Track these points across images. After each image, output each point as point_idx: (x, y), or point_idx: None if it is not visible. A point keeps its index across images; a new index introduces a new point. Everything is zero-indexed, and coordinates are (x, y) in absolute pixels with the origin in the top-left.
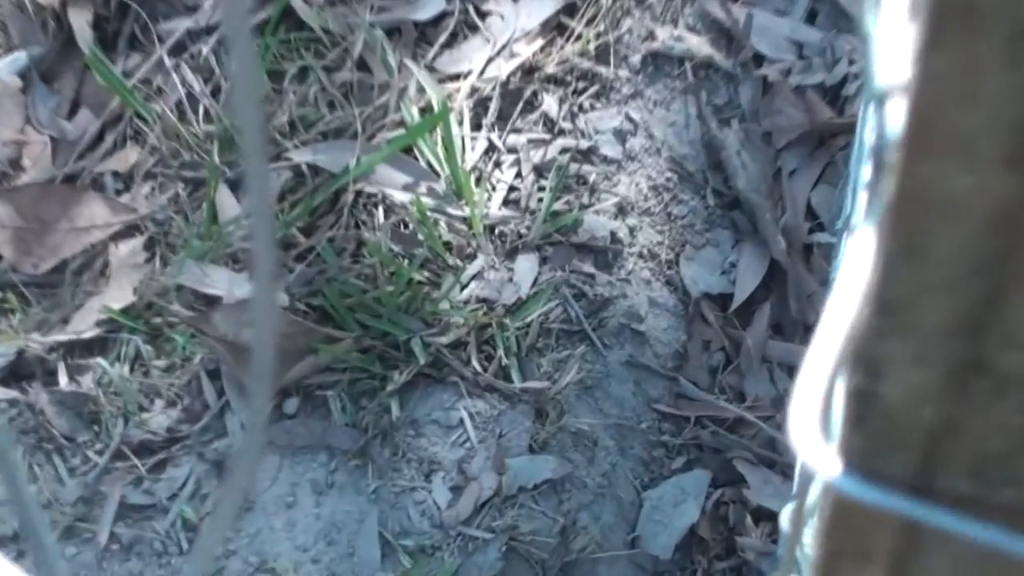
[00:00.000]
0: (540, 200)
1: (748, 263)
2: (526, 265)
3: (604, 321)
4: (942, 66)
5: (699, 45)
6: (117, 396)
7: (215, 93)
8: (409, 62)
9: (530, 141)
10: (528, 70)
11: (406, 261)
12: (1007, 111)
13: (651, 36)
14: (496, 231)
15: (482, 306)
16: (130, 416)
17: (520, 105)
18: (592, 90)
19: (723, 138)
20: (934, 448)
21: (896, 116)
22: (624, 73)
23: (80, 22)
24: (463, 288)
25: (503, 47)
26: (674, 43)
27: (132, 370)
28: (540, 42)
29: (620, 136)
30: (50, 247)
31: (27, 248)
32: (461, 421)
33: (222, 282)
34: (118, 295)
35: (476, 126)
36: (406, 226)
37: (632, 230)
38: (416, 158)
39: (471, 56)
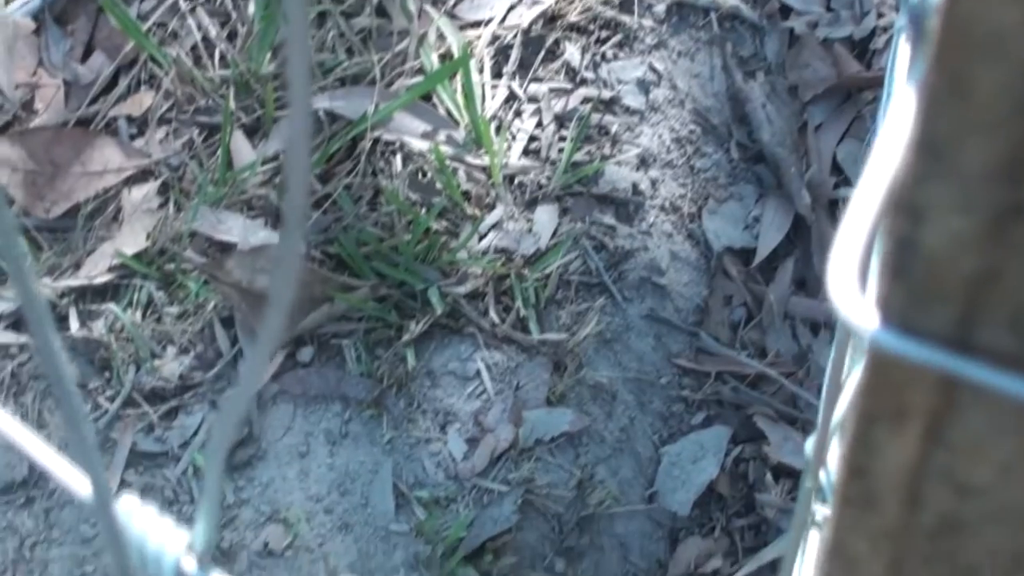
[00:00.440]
0: (561, 150)
1: (772, 218)
2: (546, 216)
3: (624, 274)
4: None
5: None
6: (129, 342)
7: (231, 38)
8: (429, 8)
9: (551, 90)
10: (550, 18)
11: (424, 210)
12: None
13: None
14: (515, 181)
15: (500, 256)
16: (142, 363)
17: (542, 54)
18: (615, 39)
19: (748, 91)
20: (974, 299)
21: None
22: (648, 22)
23: None
24: (481, 238)
25: None
26: None
27: (144, 316)
28: None
29: (643, 87)
30: (62, 191)
31: (39, 192)
32: (478, 372)
33: (237, 228)
34: (131, 240)
35: (496, 74)
36: (424, 175)
37: (654, 182)
38: (435, 106)
39: (492, 3)
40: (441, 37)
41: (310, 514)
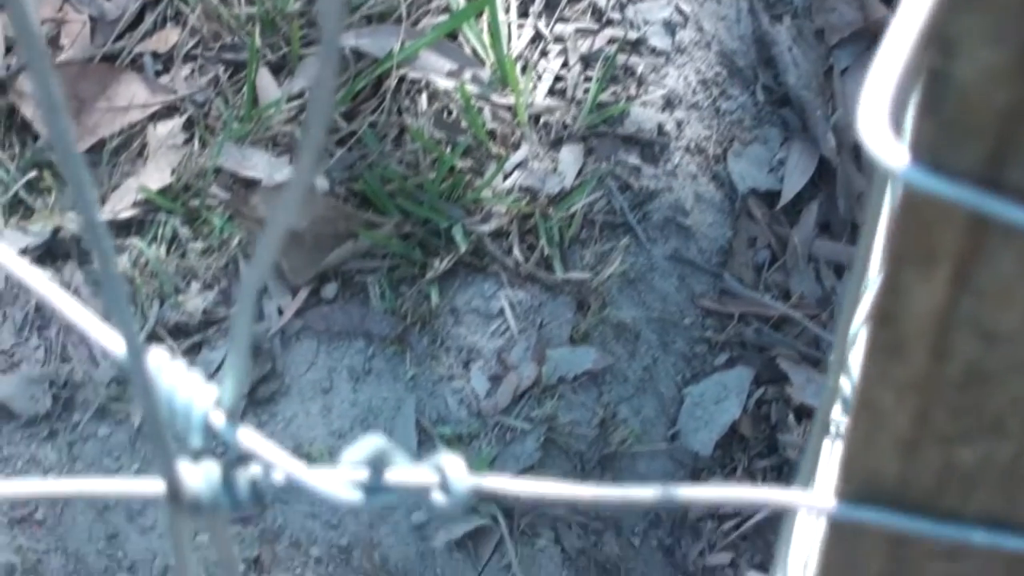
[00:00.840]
0: (586, 90)
1: (797, 160)
2: (571, 155)
3: (649, 214)
4: None
5: None
6: (153, 277)
7: None
8: None
9: (577, 30)
10: None
11: (449, 148)
12: None
13: None
14: (541, 120)
15: (525, 195)
16: (166, 298)
17: None
18: None
19: (774, 34)
20: (1005, 136)
21: None
22: None
23: None
24: (506, 177)
25: None
26: None
27: (169, 252)
28: None
29: (669, 28)
30: (88, 126)
31: None
32: (501, 310)
33: (261, 165)
34: (156, 176)
35: (523, 13)
36: (449, 113)
37: (679, 124)
38: (461, 45)
39: None
40: None
41: (333, 449)
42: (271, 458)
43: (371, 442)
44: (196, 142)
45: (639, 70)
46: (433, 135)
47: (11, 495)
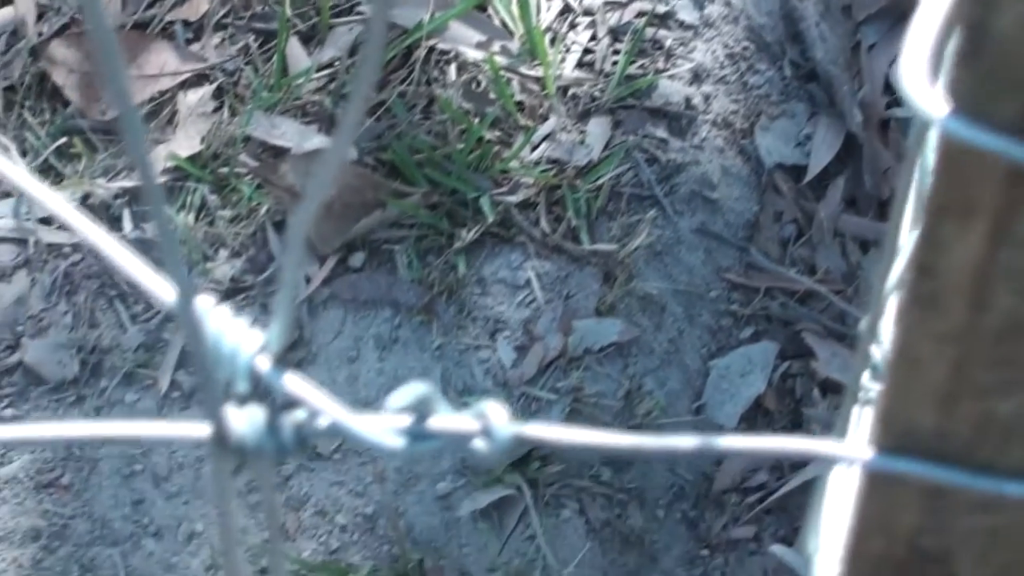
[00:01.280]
0: (614, 63)
1: (823, 136)
2: (598, 128)
3: (676, 187)
4: None
5: None
6: (182, 245)
7: None
8: None
9: (606, 3)
10: None
11: (477, 119)
12: None
13: None
14: (569, 93)
15: (553, 167)
16: (194, 265)
17: None
18: None
19: (802, 9)
20: None
21: None
22: None
23: None
24: (534, 148)
25: None
26: None
27: (197, 219)
28: None
29: (697, 2)
30: None
31: (95, 94)
32: (528, 281)
33: (290, 134)
34: (185, 144)
35: None
36: (478, 84)
37: (707, 97)
38: (490, 16)
39: None
40: None
41: None
42: (316, 404)
43: (415, 388)
44: (226, 110)
45: (667, 43)
46: (461, 106)
47: (61, 437)
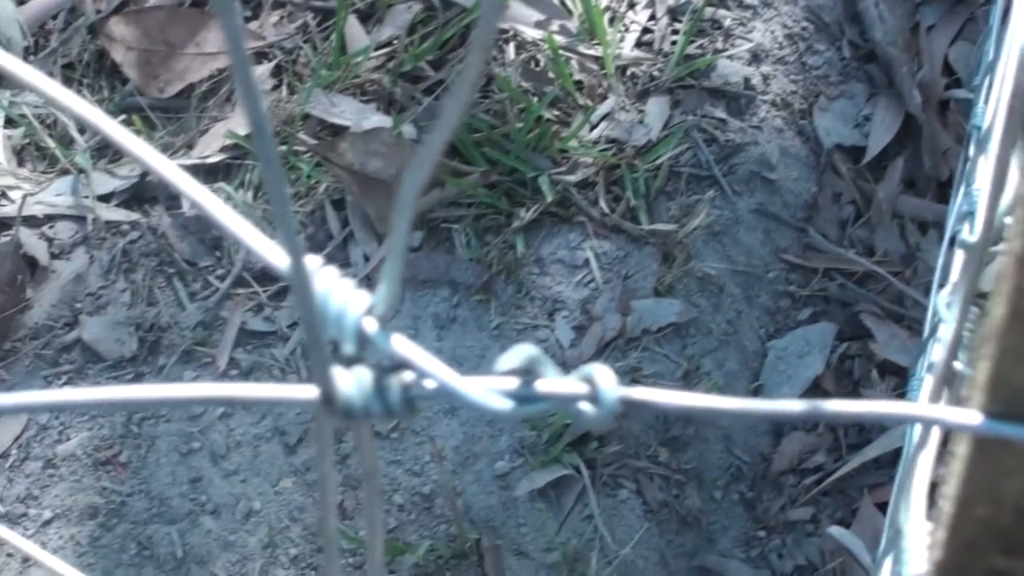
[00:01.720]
0: (673, 43)
1: (882, 117)
2: (657, 107)
3: (734, 167)
4: None
5: None
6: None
7: None
8: None
9: None
10: None
11: (536, 98)
12: None
13: None
14: (628, 72)
15: (611, 146)
16: None
17: None
18: None
19: None
20: None
21: None
22: None
23: None
24: (593, 128)
25: None
26: None
27: (256, 197)
28: None
29: None
30: (176, 71)
31: (153, 71)
32: (586, 261)
33: (349, 112)
34: (244, 121)
35: None
36: (537, 63)
37: (766, 78)
38: None
39: None
40: None
41: None
42: (424, 365)
43: (523, 350)
44: (284, 88)
45: (726, 23)
46: (520, 85)
47: (167, 398)
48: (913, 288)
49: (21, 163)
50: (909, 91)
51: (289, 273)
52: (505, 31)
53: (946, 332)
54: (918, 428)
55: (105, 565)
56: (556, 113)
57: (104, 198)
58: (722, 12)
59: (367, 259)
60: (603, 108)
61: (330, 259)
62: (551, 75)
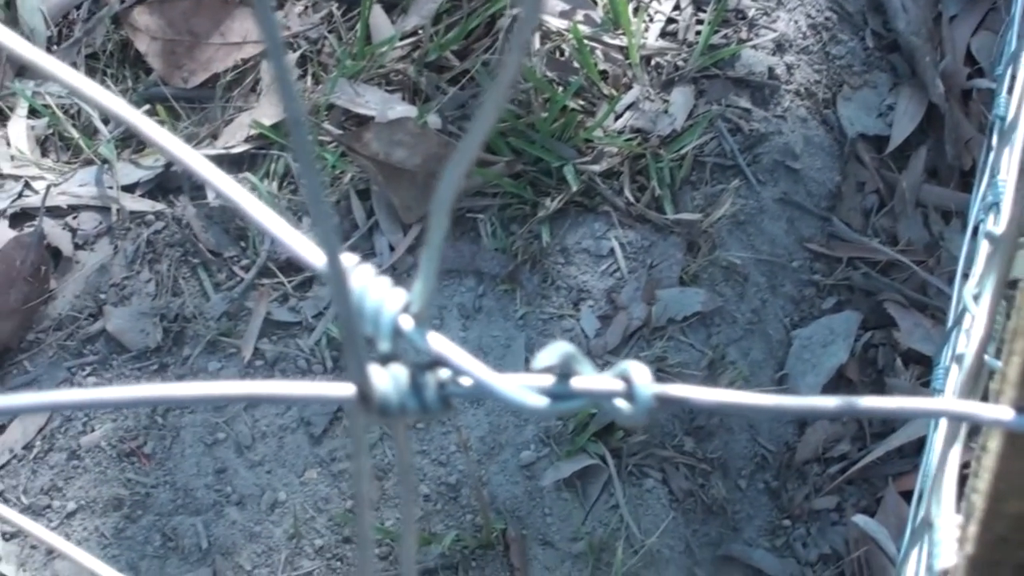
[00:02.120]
0: (698, 33)
1: (905, 106)
2: (682, 97)
3: (759, 157)
4: None
5: None
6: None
7: None
8: None
9: None
10: None
11: (561, 88)
12: None
13: None
14: (652, 62)
15: (636, 136)
16: None
17: None
18: None
19: None
20: None
21: None
22: None
23: None
24: (617, 117)
25: None
26: None
27: (281, 187)
28: None
29: None
30: (201, 61)
31: (178, 61)
32: (612, 251)
33: (374, 102)
34: (269, 111)
35: None
36: (562, 53)
37: (790, 67)
38: None
39: None
40: None
41: None
42: (459, 363)
43: (559, 348)
44: (309, 78)
45: (750, 13)
46: (545, 75)
47: (202, 396)
48: (936, 277)
49: (45, 153)
50: (932, 81)
51: (326, 271)
52: None
53: (972, 323)
54: (945, 419)
55: (130, 557)
56: (581, 103)
57: (128, 188)
58: (746, 2)
59: (392, 249)
60: (628, 98)
61: (355, 249)
62: (576, 65)
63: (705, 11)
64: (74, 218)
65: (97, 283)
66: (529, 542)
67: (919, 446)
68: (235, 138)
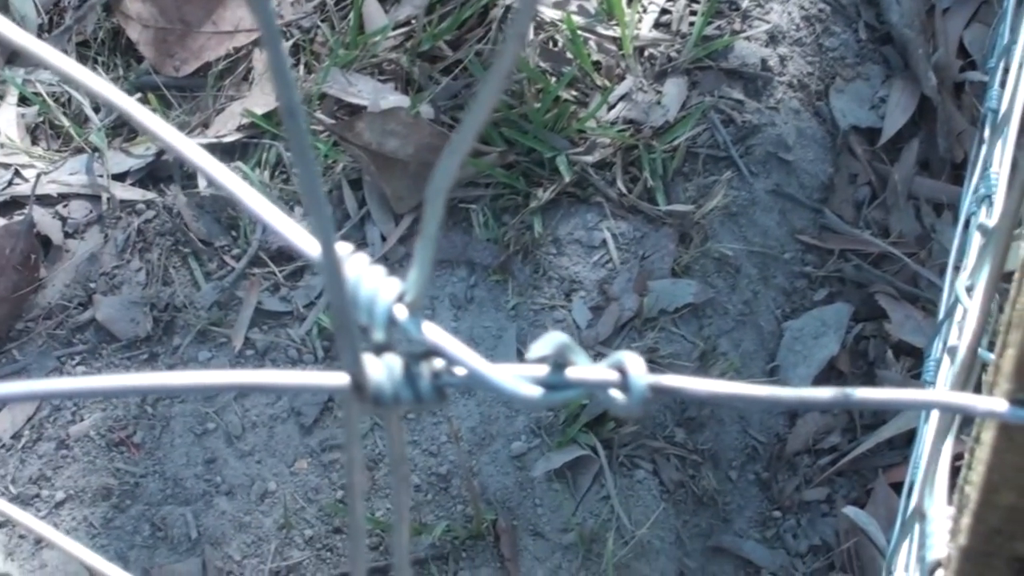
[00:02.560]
0: (691, 24)
1: (898, 98)
2: (675, 88)
3: (751, 148)
4: None
5: None
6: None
7: None
8: None
9: None
10: None
11: (554, 79)
12: None
13: None
14: (646, 53)
15: (629, 127)
16: None
17: None
18: None
19: None
20: None
21: None
22: None
23: None
24: (610, 108)
25: None
26: None
27: (272, 176)
28: None
29: None
30: (193, 50)
31: (169, 50)
32: (604, 242)
33: (367, 91)
34: (261, 100)
35: None
36: (555, 43)
37: (783, 59)
38: None
39: None
40: None
41: None
42: (454, 353)
43: (553, 338)
44: (302, 67)
45: (744, 5)
46: (539, 65)
47: (196, 384)
48: (928, 269)
49: (35, 141)
50: (924, 73)
51: (320, 260)
52: None
53: (964, 315)
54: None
55: (118, 546)
56: (574, 94)
57: (119, 177)
58: None
59: (384, 239)
60: (621, 89)
61: (346, 239)
62: (569, 55)
63: (699, 2)
64: (64, 207)
65: (87, 272)
66: (520, 533)
67: (909, 438)
68: (227, 127)
